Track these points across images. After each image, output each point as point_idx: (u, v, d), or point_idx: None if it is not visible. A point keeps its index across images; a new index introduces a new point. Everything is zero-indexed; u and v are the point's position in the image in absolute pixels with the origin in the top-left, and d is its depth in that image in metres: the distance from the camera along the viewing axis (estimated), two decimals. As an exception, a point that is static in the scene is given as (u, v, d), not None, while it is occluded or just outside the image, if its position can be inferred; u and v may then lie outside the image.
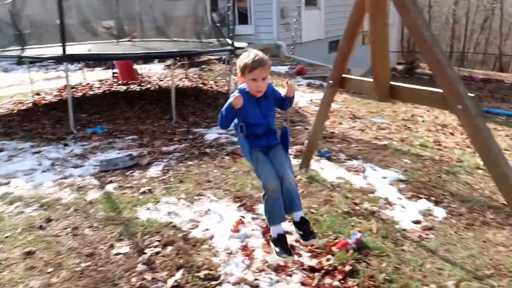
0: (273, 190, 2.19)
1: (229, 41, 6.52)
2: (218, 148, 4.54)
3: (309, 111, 6.45)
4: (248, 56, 2.22)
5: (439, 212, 3.03)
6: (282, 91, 2.42)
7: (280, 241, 2.18)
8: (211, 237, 2.75)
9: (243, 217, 2.99)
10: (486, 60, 32.47)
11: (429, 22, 34.37)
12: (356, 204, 3.12)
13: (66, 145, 4.78)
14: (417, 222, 2.88)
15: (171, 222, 2.93)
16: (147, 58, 7.99)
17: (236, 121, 2.37)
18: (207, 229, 2.85)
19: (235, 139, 4.90)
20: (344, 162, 4.13)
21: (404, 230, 2.77)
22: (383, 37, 2.24)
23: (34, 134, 5.26)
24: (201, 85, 8.82)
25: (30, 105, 7.05)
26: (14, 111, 6.73)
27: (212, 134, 5.08)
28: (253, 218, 2.96)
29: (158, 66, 11.59)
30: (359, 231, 2.63)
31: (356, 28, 2.41)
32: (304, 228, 2.23)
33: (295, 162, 4.05)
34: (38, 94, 8.14)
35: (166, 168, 3.92)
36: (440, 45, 1.95)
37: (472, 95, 1.88)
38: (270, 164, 2.31)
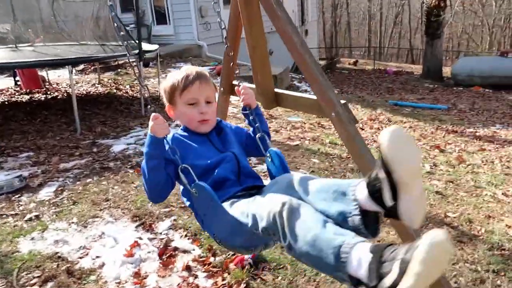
0: (290, 204, 1.18)
1: (135, 44, 6.16)
2: (123, 160, 4.25)
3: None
4: (176, 73, 1.59)
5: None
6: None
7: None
8: (101, 266, 2.51)
9: (140, 238, 2.78)
10: (400, 53, 34.94)
11: (348, 19, 36.19)
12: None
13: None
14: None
15: (56, 253, 2.64)
16: (38, 66, 7.30)
17: (183, 186, 1.50)
18: (97, 257, 2.60)
19: (143, 148, 4.65)
20: (254, 167, 4.07)
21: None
22: (262, 43, 2.16)
23: None
24: (115, 91, 8.34)
25: None
26: None
27: (119, 145, 4.77)
28: (150, 239, 2.77)
29: (66, 71, 10.80)
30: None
31: (238, 34, 2.31)
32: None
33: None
34: None
35: (60, 188, 3.57)
36: (310, 52, 1.91)
37: (343, 101, 1.86)
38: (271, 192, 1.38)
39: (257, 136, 1.71)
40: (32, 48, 7.76)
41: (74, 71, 10.87)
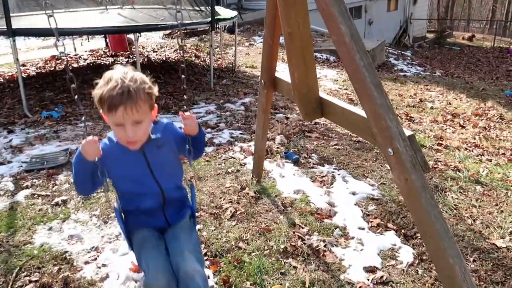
0: None
1: (208, 10, 5.68)
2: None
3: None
4: (106, 82, 1.37)
5: (405, 255, 2.33)
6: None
7: None
8: (103, 279, 2.19)
9: (155, 248, 2.40)
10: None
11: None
12: (301, 236, 2.46)
13: (10, 132, 4.29)
14: (371, 270, 2.20)
15: (66, 252, 2.38)
16: (122, 32, 7.23)
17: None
18: (104, 265, 2.28)
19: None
20: (313, 167, 3.44)
21: (349, 283, 2.11)
22: (303, 29, 1.49)
23: (-12, 116, 4.81)
24: (193, 58, 8.11)
25: (2, 79, 6.59)
26: (-15, 87, 6.30)
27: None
28: (165, 252, 2.37)
29: (157, 34, 10.90)
30: (279, 291, 1.98)
31: (277, 20, 1.67)
32: None
33: (267, 163, 3.41)
34: (24, 65, 7.70)
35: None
36: (364, 49, 1.21)
37: (409, 133, 1.16)
38: (163, 252, 1.50)
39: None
40: (121, 10, 7.80)
41: (161, 34, 10.96)
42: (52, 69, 7.38)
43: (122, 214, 1.63)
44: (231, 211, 2.70)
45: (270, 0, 1.63)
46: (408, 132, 1.19)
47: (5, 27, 4.31)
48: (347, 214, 2.74)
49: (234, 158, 3.59)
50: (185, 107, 1.67)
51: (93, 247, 2.45)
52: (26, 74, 6.86)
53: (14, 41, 4.42)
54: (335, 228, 2.58)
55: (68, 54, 8.59)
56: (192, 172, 1.76)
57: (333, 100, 1.58)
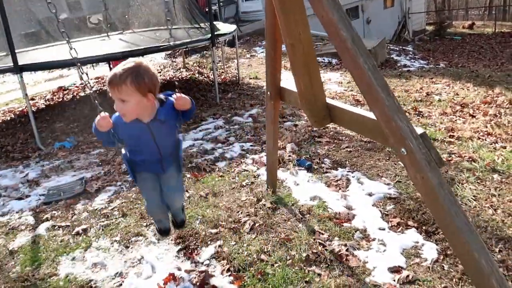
0: (159, 221, 2.33)
1: (208, 27, 5.75)
2: (184, 161, 3.94)
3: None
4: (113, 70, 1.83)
5: (429, 251, 2.31)
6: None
7: (161, 231, 2.38)
8: (130, 304, 2.20)
9: (178, 268, 2.41)
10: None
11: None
12: (322, 243, 2.45)
13: (27, 166, 4.37)
14: (395, 270, 2.18)
15: (91, 280, 2.41)
16: (122, 58, 7.34)
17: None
18: (129, 290, 2.30)
19: (208, 146, 4.31)
20: (327, 172, 3.43)
21: (375, 286, 2.09)
22: (304, 38, 1.51)
23: (2, 153, 4.90)
24: (197, 75, 8.19)
25: (13, 115, 6.73)
26: (-2, 124, 6.44)
27: (186, 142, 4.49)
28: (188, 271, 2.37)
29: (159, 55, 11.04)
30: (306, 300, 1.97)
31: (277, 32, 1.69)
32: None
33: (280, 172, 3.42)
34: (32, 99, 7.85)
35: (114, 195, 3.39)
36: (367, 52, 1.22)
37: (421, 131, 1.16)
38: (158, 191, 2.14)
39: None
40: (122, 36, 7.94)
41: (163, 55, 11.10)
42: (60, 100, 7.51)
43: (128, 160, 2.10)
44: (249, 224, 2.70)
45: (269, 12, 1.65)
46: (419, 130, 1.19)
47: (12, 64, 4.42)
48: (365, 216, 2.72)
49: (247, 170, 3.61)
50: (176, 89, 1.98)
51: (117, 273, 2.46)
52: (36, 108, 7.00)
53: (21, 77, 4.53)
54: (355, 231, 2.57)
55: (75, 84, 8.78)
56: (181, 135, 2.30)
57: (341, 105, 1.59)
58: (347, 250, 2.35)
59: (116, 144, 1.98)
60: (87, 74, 2.17)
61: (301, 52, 1.49)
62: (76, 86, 8.45)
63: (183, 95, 1.92)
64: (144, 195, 2.20)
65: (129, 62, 1.77)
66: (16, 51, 4.47)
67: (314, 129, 4.44)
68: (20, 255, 2.73)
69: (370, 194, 3.00)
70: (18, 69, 4.47)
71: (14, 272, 2.55)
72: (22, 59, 4.79)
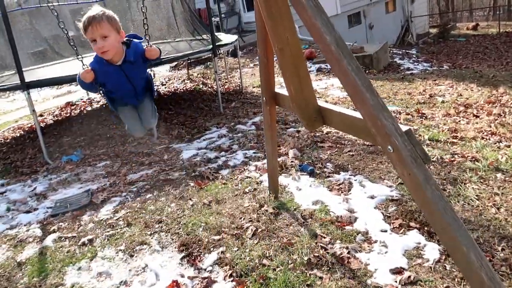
0: (138, 137, 3.16)
1: (209, 37, 5.84)
2: (188, 170, 3.99)
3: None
4: (84, 15, 2.16)
5: (431, 252, 2.30)
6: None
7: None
8: (134, 311, 2.23)
9: (181, 275, 2.43)
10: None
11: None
12: (323, 246, 2.45)
13: (35, 180, 4.45)
14: (397, 271, 2.18)
15: (96, 289, 2.44)
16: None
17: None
18: (133, 298, 2.33)
19: (211, 155, 4.34)
20: (329, 176, 3.45)
21: (376, 287, 2.09)
22: (292, 41, 1.55)
23: (12, 168, 5.00)
24: (201, 86, 8.28)
25: (22, 131, 6.86)
26: (7, 140, 6.56)
27: (189, 151, 4.55)
28: (191, 278, 2.40)
29: (164, 68, 11.19)
30: (307, 303, 1.98)
31: (268, 38, 1.73)
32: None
33: (282, 178, 3.45)
34: (41, 115, 8.00)
35: (119, 205, 3.44)
36: (351, 54, 1.25)
37: (405, 128, 1.18)
38: (137, 115, 2.68)
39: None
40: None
41: (168, 67, 11.25)
42: (68, 115, 7.64)
43: (109, 98, 2.62)
44: (252, 230, 2.72)
45: (259, 20, 1.70)
46: (404, 128, 1.21)
47: (19, 81, 4.53)
48: (367, 218, 2.73)
49: (250, 177, 3.63)
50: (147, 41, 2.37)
51: (121, 282, 2.49)
52: (44, 123, 7.13)
53: (28, 93, 4.63)
54: (357, 234, 2.57)
55: (82, 99, 8.93)
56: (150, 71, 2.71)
57: (331, 107, 1.61)
58: (348, 252, 2.36)
59: (97, 89, 2.41)
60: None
61: (289, 55, 1.53)
62: (83, 101, 8.58)
63: (153, 47, 2.29)
64: (125, 122, 2.75)
65: (97, 8, 2.17)
66: (23, 69, 4.58)
67: (317, 134, 4.47)
68: (28, 267, 2.78)
69: (372, 197, 3.00)
70: (25, 86, 4.57)
71: (22, 283, 2.60)
72: (29, 77, 4.91)
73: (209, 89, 8.01)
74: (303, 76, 1.59)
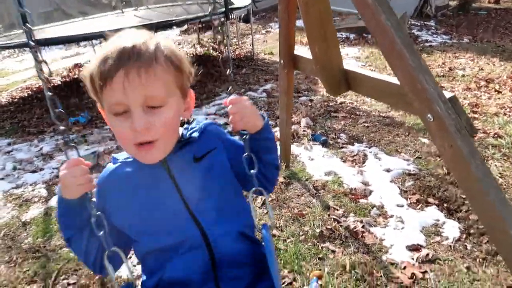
0: None
1: (221, 1, 5.59)
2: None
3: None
4: (100, 52, 0.84)
5: (451, 230, 2.19)
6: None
7: None
8: (139, 276, 2.17)
9: None
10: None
11: None
12: (336, 219, 2.36)
13: (42, 140, 4.38)
14: (415, 248, 2.08)
15: (101, 252, 2.39)
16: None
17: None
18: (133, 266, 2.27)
19: (221, 121, 4.22)
20: (343, 147, 3.32)
21: (392, 264, 2.00)
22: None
23: (19, 127, 4.93)
24: (211, 51, 8.05)
25: (30, 92, 6.77)
26: (15, 99, 6.48)
27: (198, 116, 4.42)
28: None
29: (174, 32, 10.90)
30: (319, 277, 1.90)
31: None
32: None
33: (294, 147, 3.32)
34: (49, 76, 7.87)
35: (126, 169, 3.36)
36: (391, 10, 1.09)
37: (450, 95, 1.04)
38: None
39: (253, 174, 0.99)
40: (136, 12, 7.84)
41: (178, 31, 10.96)
42: (76, 76, 7.50)
43: None
44: (261, 199, 2.63)
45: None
46: (448, 94, 1.07)
47: (26, 39, 4.38)
48: (383, 192, 2.61)
49: (260, 145, 3.51)
50: (230, 88, 1.07)
51: (127, 246, 2.44)
52: (52, 84, 7.00)
53: (36, 51, 4.48)
54: (372, 208, 2.46)
55: (90, 61, 8.75)
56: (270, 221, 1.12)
57: (360, 71, 1.46)
58: (363, 226, 2.26)
59: (94, 232, 0.93)
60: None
61: (316, 11, 1.36)
62: (91, 63, 8.42)
63: (237, 96, 0.99)
64: None
65: (120, 35, 0.87)
66: (32, 27, 4.42)
67: (330, 103, 4.30)
68: (33, 227, 2.73)
69: (388, 170, 2.88)
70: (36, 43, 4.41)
71: (26, 243, 2.55)
72: (38, 36, 4.75)
73: (220, 54, 7.77)
74: (330, 35, 1.43)
